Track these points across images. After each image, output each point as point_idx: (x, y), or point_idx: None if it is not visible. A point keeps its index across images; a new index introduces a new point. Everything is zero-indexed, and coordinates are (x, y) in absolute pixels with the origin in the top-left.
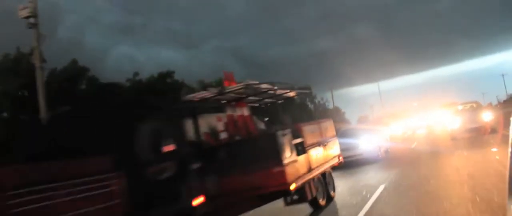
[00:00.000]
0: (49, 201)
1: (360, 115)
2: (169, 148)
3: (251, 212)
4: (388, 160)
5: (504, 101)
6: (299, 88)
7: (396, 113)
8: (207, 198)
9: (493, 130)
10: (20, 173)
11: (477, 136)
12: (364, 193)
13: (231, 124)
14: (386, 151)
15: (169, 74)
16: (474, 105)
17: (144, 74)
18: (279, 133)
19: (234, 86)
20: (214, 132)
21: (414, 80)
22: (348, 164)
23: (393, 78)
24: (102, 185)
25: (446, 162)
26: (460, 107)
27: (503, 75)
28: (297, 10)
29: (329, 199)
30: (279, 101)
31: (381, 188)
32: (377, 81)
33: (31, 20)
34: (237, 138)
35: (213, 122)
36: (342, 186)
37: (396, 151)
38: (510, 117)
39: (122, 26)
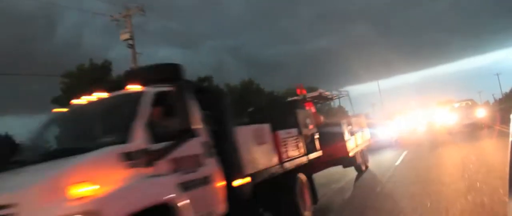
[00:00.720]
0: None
1: (363, 113)
2: (312, 125)
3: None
4: (398, 146)
5: (499, 99)
6: (342, 94)
7: (398, 111)
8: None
9: (488, 126)
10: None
11: (472, 131)
12: (387, 164)
13: (313, 116)
14: (396, 140)
15: (207, 78)
16: (469, 102)
17: None
18: (343, 122)
19: (312, 93)
20: (310, 121)
21: (412, 78)
22: (369, 148)
23: (391, 77)
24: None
25: (443, 149)
26: (456, 105)
27: (497, 75)
28: (296, 11)
29: (366, 167)
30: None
31: (398, 161)
32: (375, 80)
33: (130, 41)
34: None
35: (307, 115)
36: (371, 161)
37: (402, 141)
38: (506, 114)
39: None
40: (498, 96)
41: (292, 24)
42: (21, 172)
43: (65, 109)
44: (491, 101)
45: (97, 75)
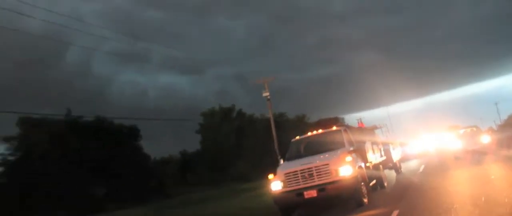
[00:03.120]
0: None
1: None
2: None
3: None
4: (419, 157)
5: (499, 126)
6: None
7: (409, 136)
8: None
9: (492, 152)
10: None
11: (477, 156)
12: (413, 168)
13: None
14: (418, 155)
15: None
16: (474, 128)
17: (149, 97)
18: (389, 142)
19: (371, 126)
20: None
21: (416, 104)
22: (403, 158)
23: (396, 103)
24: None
25: (452, 169)
26: (461, 131)
27: (496, 104)
28: (299, 38)
29: (400, 171)
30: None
31: (421, 168)
32: (380, 106)
33: (268, 97)
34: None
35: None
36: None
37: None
38: (509, 140)
39: (125, 53)
40: (498, 122)
41: (298, 51)
42: (312, 157)
43: (303, 136)
44: (493, 127)
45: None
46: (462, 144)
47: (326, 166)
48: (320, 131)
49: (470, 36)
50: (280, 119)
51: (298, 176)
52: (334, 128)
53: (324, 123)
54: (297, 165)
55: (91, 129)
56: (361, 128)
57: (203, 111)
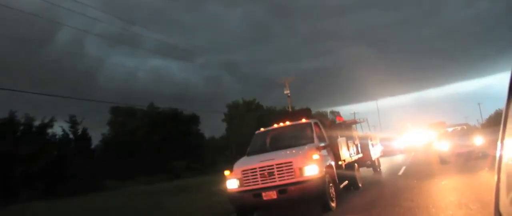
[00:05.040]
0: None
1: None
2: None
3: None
4: (405, 152)
5: (481, 125)
6: (363, 119)
7: (396, 131)
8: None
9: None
10: None
11: (469, 161)
12: (394, 169)
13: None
14: (403, 149)
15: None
16: (464, 127)
17: (140, 80)
18: (368, 138)
19: (350, 120)
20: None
21: (403, 100)
22: (389, 152)
23: (383, 98)
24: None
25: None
26: (449, 129)
27: (479, 104)
28: (293, 30)
29: (379, 170)
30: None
31: (402, 170)
32: (369, 100)
33: (288, 94)
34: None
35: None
36: (385, 163)
37: (408, 150)
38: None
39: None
40: (481, 122)
41: (289, 43)
42: (275, 153)
43: (268, 128)
44: (477, 126)
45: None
46: (450, 145)
47: (289, 164)
48: (287, 123)
49: (460, 35)
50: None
51: (256, 174)
52: (303, 120)
53: (295, 114)
54: (256, 162)
55: (167, 116)
56: (338, 122)
57: (228, 103)
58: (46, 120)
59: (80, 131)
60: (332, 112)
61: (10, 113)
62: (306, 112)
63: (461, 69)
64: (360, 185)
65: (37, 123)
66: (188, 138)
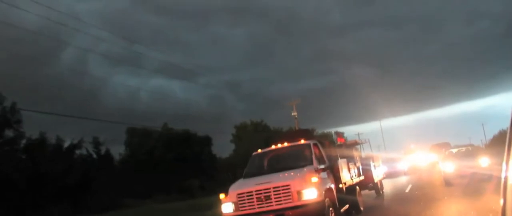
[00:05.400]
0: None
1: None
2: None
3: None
4: (409, 174)
5: (486, 145)
6: (366, 141)
7: (404, 151)
8: None
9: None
10: None
11: (475, 183)
12: (406, 182)
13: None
14: (406, 171)
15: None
16: (470, 148)
17: (140, 101)
18: (370, 159)
19: (351, 141)
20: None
21: (407, 120)
22: (392, 174)
23: (387, 119)
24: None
25: (441, 198)
26: (453, 151)
27: (482, 125)
28: (295, 50)
29: (382, 192)
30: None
31: (409, 186)
32: (371, 121)
33: (295, 116)
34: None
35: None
36: (388, 185)
37: (411, 171)
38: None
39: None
40: (485, 142)
41: (292, 63)
42: (272, 175)
43: (266, 149)
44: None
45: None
46: (455, 166)
47: (287, 187)
48: (285, 144)
49: (462, 54)
50: None
51: (253, 198)
52: (302, 141)
53: (294, 135)
54: (252, 185)
55: (181, 137)
56: (338, 143)
57: (236, 124)
58: (75, 141)
59: (103, 152)
60: (337, 133)
61: (41, 134)
62: (305, 133)
63: (464, 88)
64: (361, 209)
65: (66, 144)
66: (200, 158)
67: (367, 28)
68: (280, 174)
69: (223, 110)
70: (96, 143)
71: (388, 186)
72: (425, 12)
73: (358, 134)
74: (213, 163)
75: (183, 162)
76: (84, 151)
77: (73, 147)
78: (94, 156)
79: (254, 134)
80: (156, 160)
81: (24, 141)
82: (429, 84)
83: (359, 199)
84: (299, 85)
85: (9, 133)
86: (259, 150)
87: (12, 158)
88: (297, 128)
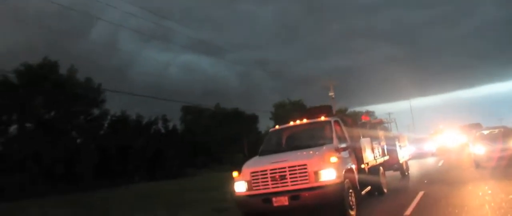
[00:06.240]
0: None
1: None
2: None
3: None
4: (437, 155)
5: None
6: (392, 119)
7: (433, 131)
8: None
9: None
10: None
11: (507, 166)
12: (433, 163)
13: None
14: (435, 152)
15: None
16: (502, 129)
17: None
18: (395, 138)
19: (376, 120)
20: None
21: (434, 101)
22: (419, 155)
23: (417, 98)
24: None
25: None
26: (485, 132)
27: None
28: (325, 28)
29: (408, 173)
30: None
31: (440, 163)
32: (401, 100)
33: (332, 95)
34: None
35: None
36: (414, 166)
37: (440, 152)
38: None
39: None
40: None
41: (321, 41)
42: (289, 154)
43: (284, 126)
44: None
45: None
46: (486, 148)
47: (303, 167)
48: (304, 121)
49: (495, 35)
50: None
51: (267, 177)
52: (323, 118)
53: (314, 111)
54: (267, 163)
55: (232, 115)
56: (363, 121)
57: (275, 103)
58: (152, 118)
59: (170, 127)
60: (367, 112)
61: (122, 112)
62: (326, 109)
63: (494, 69)
64: (385, 190)
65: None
66: (249, 135)
67: (399, 7)
68: (297, 153)
69: (260, 89)
70: (165, 120)
71: (414, 167)
72: None
73: (389, 113)
74: (258, 139)
75: (234, 138)
76: (157, 127)
77: (150, 123)
78: (163, 131)
79: (292, 112)
80: (211, 136)
81: (108, 118)
82: (459, 64)
83: (383, 180)
84: (332, 63)
85: (95, 111)
86: (277, 126)
87: (98, 133)
88: (334, 108)
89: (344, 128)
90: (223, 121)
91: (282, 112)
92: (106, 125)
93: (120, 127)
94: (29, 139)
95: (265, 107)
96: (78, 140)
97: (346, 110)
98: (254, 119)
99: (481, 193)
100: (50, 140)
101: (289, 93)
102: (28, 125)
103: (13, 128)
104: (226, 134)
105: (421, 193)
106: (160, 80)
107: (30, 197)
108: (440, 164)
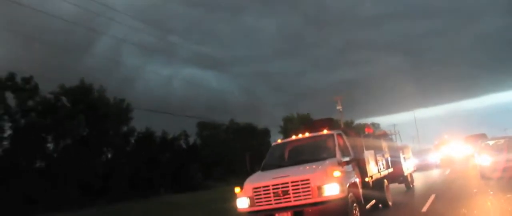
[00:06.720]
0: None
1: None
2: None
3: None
4: (441, 166)
5: None
6: (396, 131)
7: (438, 143)
8: None
9: None
10: None
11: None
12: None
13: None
14: (439, 163)
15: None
16: (508, 140)
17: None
18: (400, 150)
19: (380, 132)
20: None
21: (438, 111)
22: (423, 166)
23: (419, 109)
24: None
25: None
26: (490, 143)
27: None
28: (326, 40)
29: (413, 186)
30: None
31: (447, 171)
32: (404, 111)
33: (340, 109)
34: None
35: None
36: (418, 179)
37: (444, 163)
38: None
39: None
40: None
41: (323, 53)
42: (291, 168)
43: (286, 140)
44: None
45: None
46: (492, 159)
47: (306, 182)
48: (306, 134)
49: (498, 45)
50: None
51: (269, 193)
52: (325, 131)
53: (316, 125)
54: (270, 178)
55: (245, 129)
56: (366, 133)
57: (283, 117)
58: (176, 134)
59: (191, 142)
60: (373, 124)
61: (147, 128)
62: (328, 122)
63: (498, 79)
64: (390, 203)
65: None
66: (261, 148)
67: (401, 19)
68: (300, 167)
69: (269, 103)
70: (185, 136)
71: (418, 180)
72: (460, 3)
73: (394, 125)
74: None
75: (248, 150)
76: (180, 143)
77: (174, 139)
78: (184, 146)
79: (300, 126)
80: (226, 150)
81: (135, 134)
82: (463, 74)
83: (388, 194)
84: (336, 76)
85: (123, 128)
86: (279, 140)
87: (126, 149)
88: (342, 122)
89: (347, 141)
90: (237, 136)
91: (291, 126)
92: (133, 141)
93: (147, 143)
94: (69, 156)
95: (274, 121)
96: (109, 156)
97: (352, 123)
98: (266, 133)
99: (490, 206)
100: (87, 156)
101: (296, 107)
102: (66, 143)
103: (52, 146)
104: (241, 148)
105: (426, 207)
106: (167, 94)
107: (74, 209)
108: (443, 178)
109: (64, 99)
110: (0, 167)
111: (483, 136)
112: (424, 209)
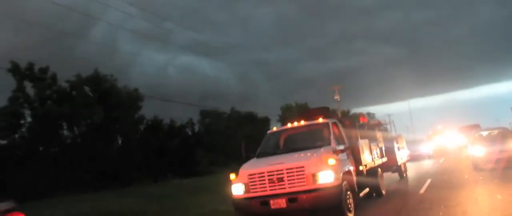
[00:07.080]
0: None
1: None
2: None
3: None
4: (433, 157)
5: None
6: (390, 121)
7: (432, 133)
8: None
9: None
10: None
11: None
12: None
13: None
14: (431, 154)
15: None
16: (501, 130)
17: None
18: (393, 140)
19: (374, 121)
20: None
21: (432, 102)
22: (416, 157)
23: (412, 99)
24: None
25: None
26: (483, 133)
27: (511, 108)
28: (324, 30)
29: (406, 175)
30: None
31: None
32: (398, 101)
33: (338, 98)
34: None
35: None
36: (411, 169)
37: (437, 153)
38: None
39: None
40: None
41: (321, 42)
42: (286, 156)
43: (282, 128)
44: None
45: (299, 109)
46: (485, 150)
47: (301, 169)
48: (302, 123)
49: (492, 36)
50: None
51: (264, 180)
52: (320, 120)
53: (311, 113)
54: (265, 165)
55: (246, 118)
56: (361, 123)
57: (282, 106)
58: (184, 122)
59: (196, 129)
60: (369, 114)
61: (155, 116)
62: (324, 111)
63: (492, 70)
64: (383, 192)
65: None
66: (262, 136)
67: (397, 9)
68: (295, 155)
69: (269, 92)
70: (191, 124)
71: (411, 170)
72: None
73: (388, 115)
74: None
75: (248, 139)
76: (186, 130)
77: (182, 127)
78: (189, 133)
79: (296, 114)
80: (228, 138)
81: (144, 122)
82: (457, 65)
83: (381, 182)
84: (332, 65)
85: (134, 115)
86: (274, 128)
87: (135, 136)
88: (339, 111)
89: (342, 130)
90: (238, 124)
91: (289, 115)
92: (142, 128)
93: (155, 131)
94: (84, 142)
95: (274, 110)
96: (120, 142)
97: (348, 112)
98: (266, 121)
99: (482, 196)
100: (101, 143)
101: (294, 96)
102: (81, 130)
103: (66, 133)
104: (242, 135)
105: (419, 195)
106: (164, 81)
107: (89, 192)
108: (435, 169)
109: (86, 88)
110: (21, 152)
111: (476, 127)
112: (422, 190)
